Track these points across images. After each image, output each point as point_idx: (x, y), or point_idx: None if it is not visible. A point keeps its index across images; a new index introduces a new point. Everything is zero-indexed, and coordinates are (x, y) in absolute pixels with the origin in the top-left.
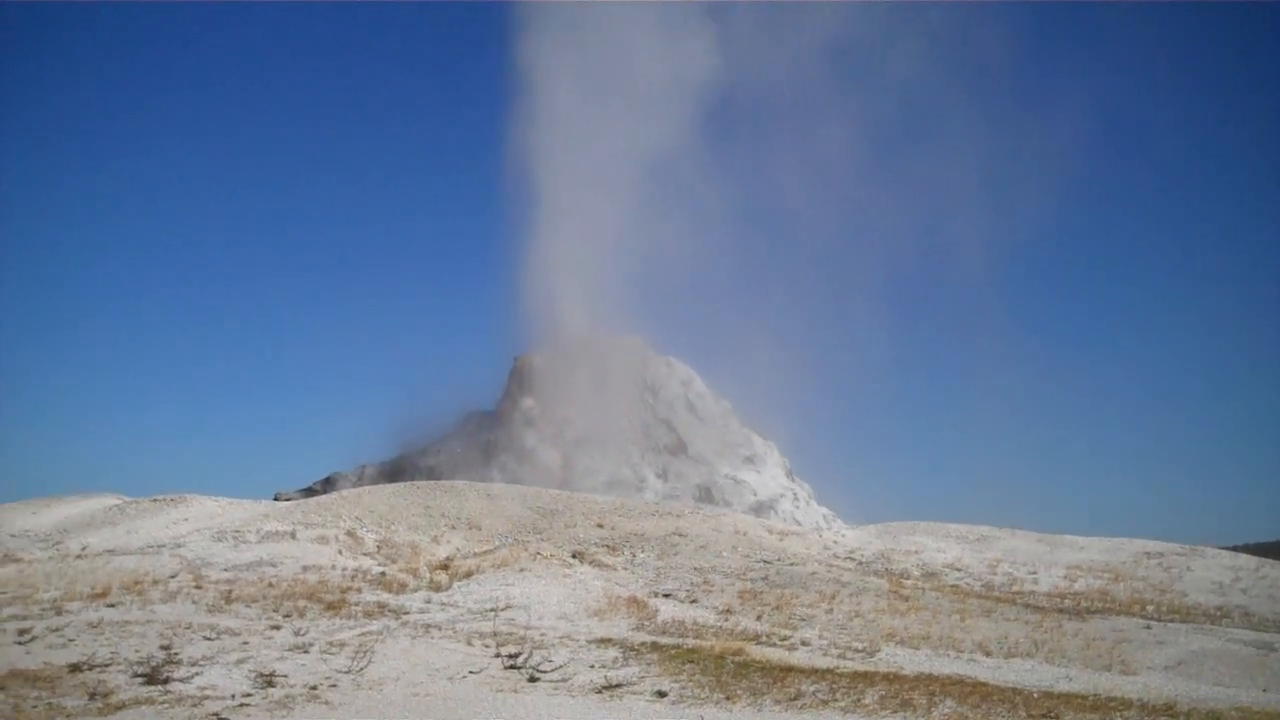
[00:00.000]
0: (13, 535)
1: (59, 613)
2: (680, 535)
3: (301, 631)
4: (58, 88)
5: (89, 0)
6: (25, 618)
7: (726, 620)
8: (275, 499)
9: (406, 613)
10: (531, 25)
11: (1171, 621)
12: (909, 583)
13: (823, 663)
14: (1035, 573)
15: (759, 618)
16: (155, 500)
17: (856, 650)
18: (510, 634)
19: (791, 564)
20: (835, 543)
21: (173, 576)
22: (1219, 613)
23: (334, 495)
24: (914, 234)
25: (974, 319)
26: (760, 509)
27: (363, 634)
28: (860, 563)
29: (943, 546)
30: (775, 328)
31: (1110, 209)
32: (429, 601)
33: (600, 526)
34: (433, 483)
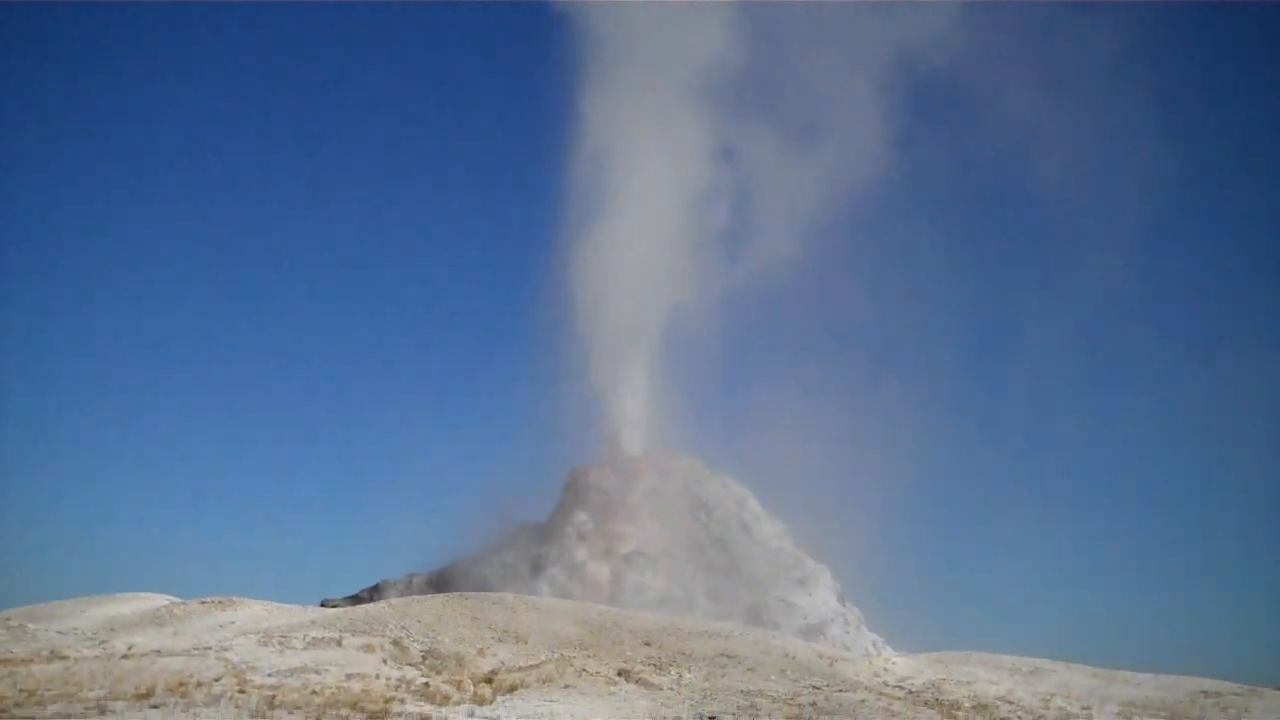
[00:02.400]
0: (60, 632)
1: (103, 713)
2: (728, 656)
3: None
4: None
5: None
6: (69, 716)
7: None
8: (322, 605)
9: None
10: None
11: None
12: (960, 715)
13: None
14: (1089, 708)
15: None
16: (203, 603)
17: None
18: None
19: (841, 690)
20: (886, 670)
21: (217, 680)
22: None
23: (381, 604)
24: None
25: (1042, 437)
26: (810, 632)
27: None
28: (910, 691)
29: (995, 678)
30: (832, 449)
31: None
32: (473, 715)
33: (648, 645)
34: (481, 594)
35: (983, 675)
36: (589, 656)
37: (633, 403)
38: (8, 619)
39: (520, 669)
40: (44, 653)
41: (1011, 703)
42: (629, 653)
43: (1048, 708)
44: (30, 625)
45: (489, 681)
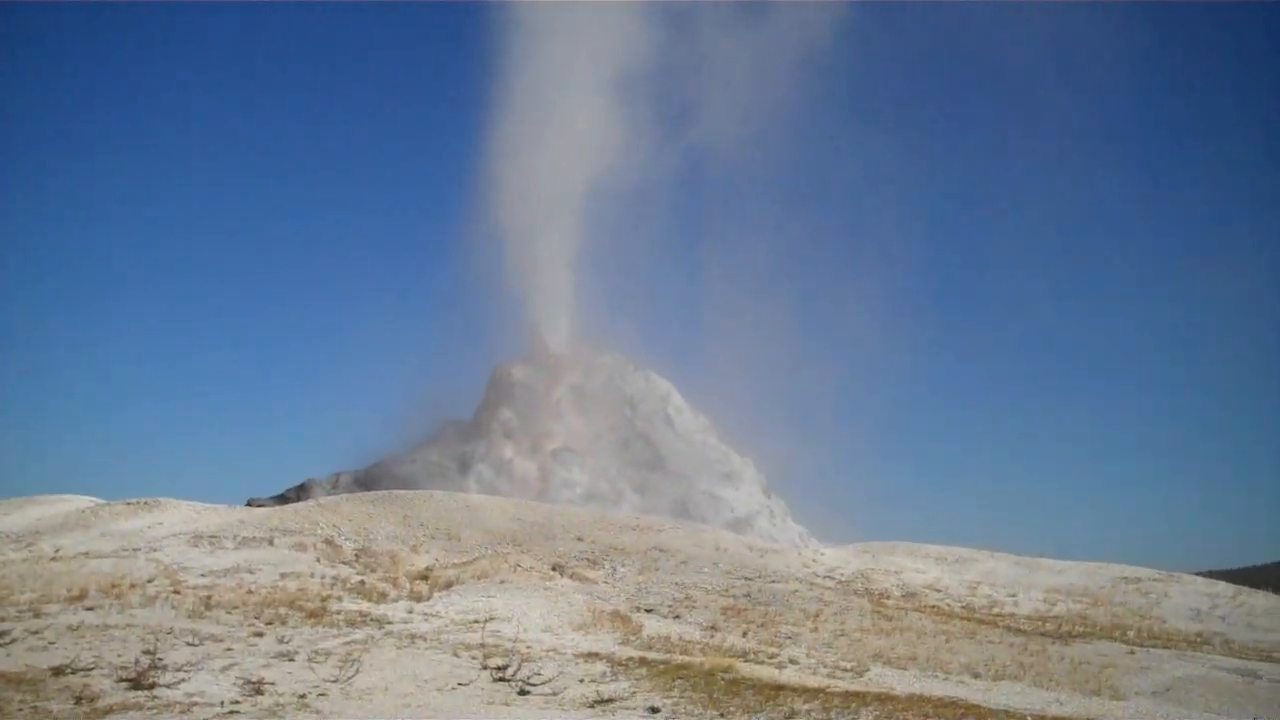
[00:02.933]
0: None
1: (37, 615)
2: (661, 550)
3: (285, 639)
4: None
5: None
6: (2, 620)
7: (712, 637)
8: (249, 505)
9: (390, 622)
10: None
11: (1153, 647)
12: (890, 603)
13: (813, 681)
14: (1015, 595)
15: (744, 634)
16: (129, 504)
17: (845, 670)
18: (496, 646)
19: (773, 581)
20: (815, 561)
21: (150, 581)
22: (1199, 639)
23: (310, 503)
24: (902, 243)
25: (957, 335)
26: (738, 525)
27: (347, 643)
28: (840, 581)
29: (922, 567)
30: (754, 343)
31: (1105, 213)
32: (411, 612)
33: (580, 540)
34: (411, 492)
35: (910, 565)
36: (523, 552)
37: (555, 296)
38: None
39: (455, 566)
40: None
41: (939, 590)
42: (562, 548)
43: (974, 594)
44: None
45: (425, 579)
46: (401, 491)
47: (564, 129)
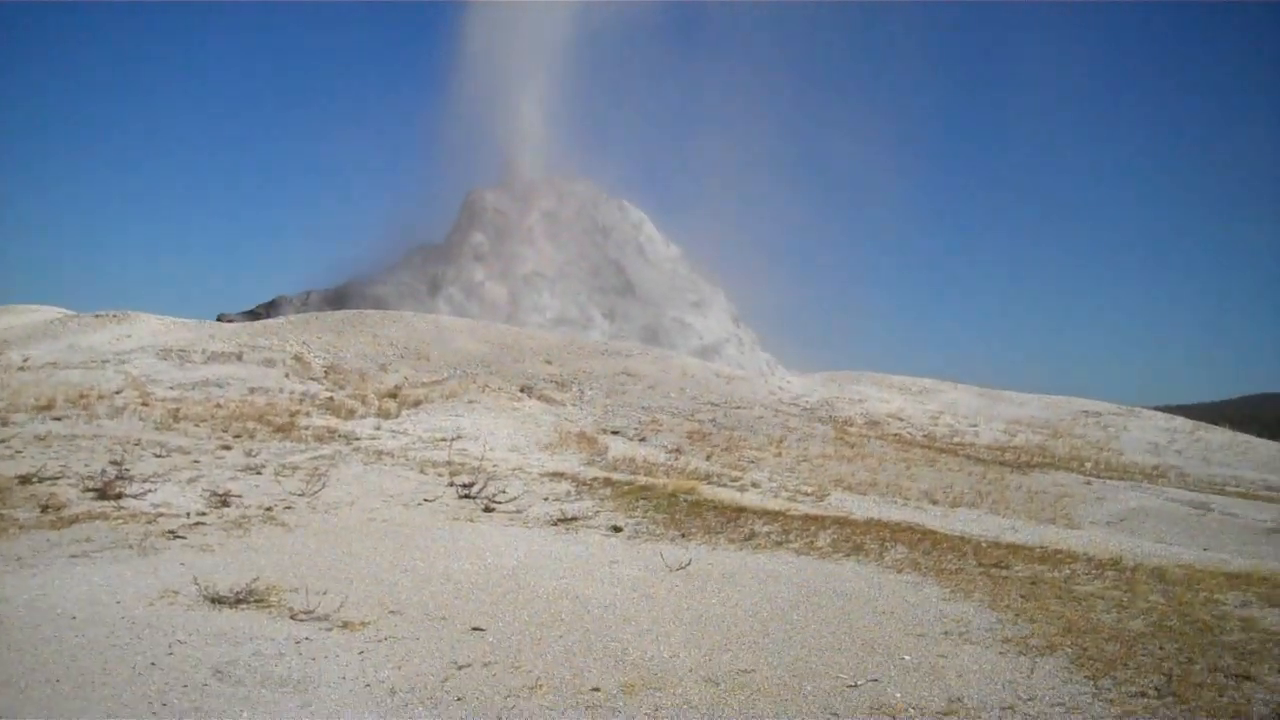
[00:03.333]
0: None
1: (3, 424)
2: (628, 375)
3: (253, 453)
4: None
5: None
6: None
7: (676, 459)
8: (218, 320)
9: (357, 439)
10: None
11: (1110, 479)
12: (853, 430)
13: (774, 505)
14: (976, 426)
15: (708, 458)
16: (98, 316)
17: (806, 494)
18: (463, 464)
19: (738, 407)
20: (781, 389)
21: (118, 392)
22: (1155, 472)
23: (280, 320)
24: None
25: (931, 162)
26: (705, 353)
27: (314, 458)
28: (805, 409)
29: (886, 397)
30: (725, 173)
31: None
32: (378, 429)
33: (549, 363)
34: (381, 312)
35: (874, 394)
36: (491, 374)
37: (530, 122)
38: None
39: (423, 385)
40: None
41: (902, 420)
42: (531, 370)
43: (936, 424)
44: None
45: (393, 397)
46: (371, 311)
47: None
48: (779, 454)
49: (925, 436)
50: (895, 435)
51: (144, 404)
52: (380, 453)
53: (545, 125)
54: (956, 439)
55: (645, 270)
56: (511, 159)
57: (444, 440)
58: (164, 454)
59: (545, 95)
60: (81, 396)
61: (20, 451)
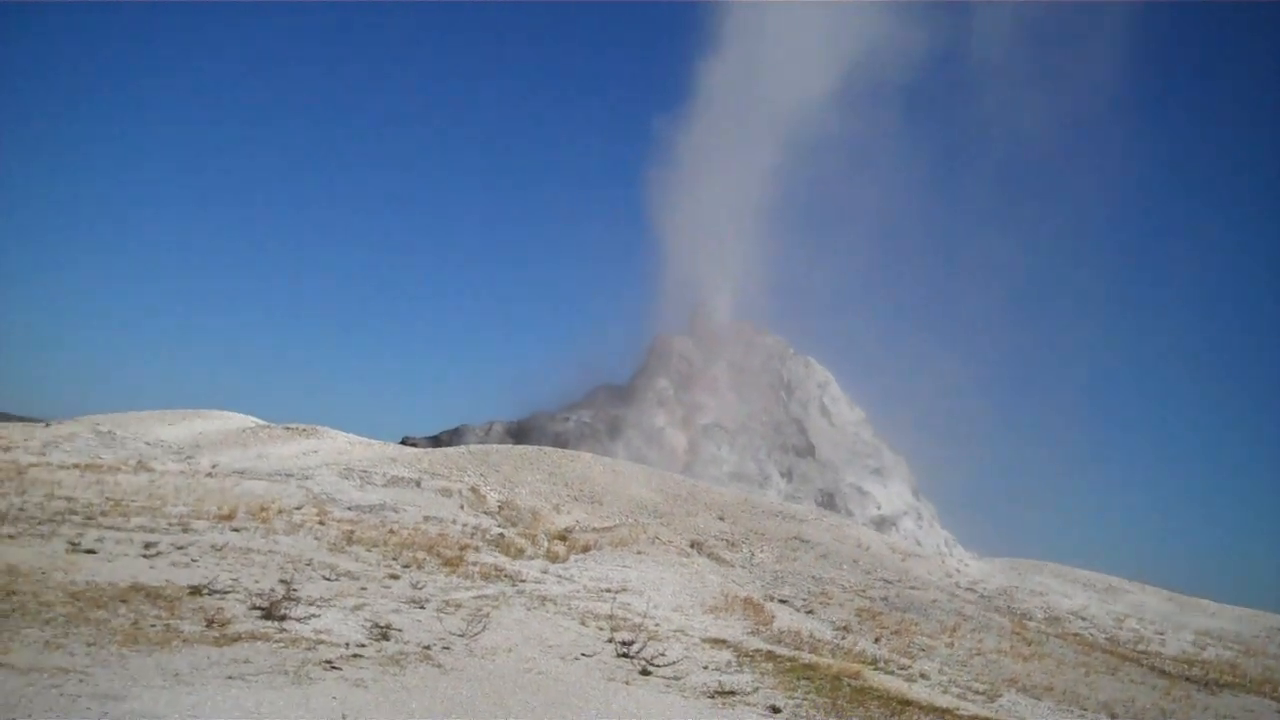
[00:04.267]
0: (148, 444)
1: (185, 530)
2: (801, 540)
3: (419, 585)
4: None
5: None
6: (153, 530)
7: (844, 639)
8: (403, 443)
9: (523, 580)
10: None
11: None
12: (1032, 625)
13: (942, 700)
14: (1163, 633)
15: (877, 640)
16: (288, 428)
17: (977, 692)
18: (625, 619)
19: (913, 588)
20: (958, 571)
21: (298, 508)
22: None
23: (461, 449)
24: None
25: (1139, 347)
26: (882, 523)
27: (479, 596)
28: (982, 596)
29: (1069, 591)
30: (922, 342)
31: None
32: (545, 572)
33: (721, 519)
34: (560, 450)
35: (1056, 587)
36: (663, 524)
37: (723, 274)
38: (98, 424)
39: (595, 530)
40: (131, 462)
41: (1085, 619)
42: (703, 525)
43: (1121, 627)
44: (119, 433)
45: (563, 539)
46: (551, 449)
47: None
48: (951, 644)
49: (1108, 640)
50: (1076, 635)
51: (321, 522)
52: (544, 598)
53: (739, 277)
54: (1141, 646)
55: (827, 431)
56: (702, 307)
57: (609, 591)
58: (333, 577)
59: (742, 247)
60: (262, 509)
61: (196, 561)
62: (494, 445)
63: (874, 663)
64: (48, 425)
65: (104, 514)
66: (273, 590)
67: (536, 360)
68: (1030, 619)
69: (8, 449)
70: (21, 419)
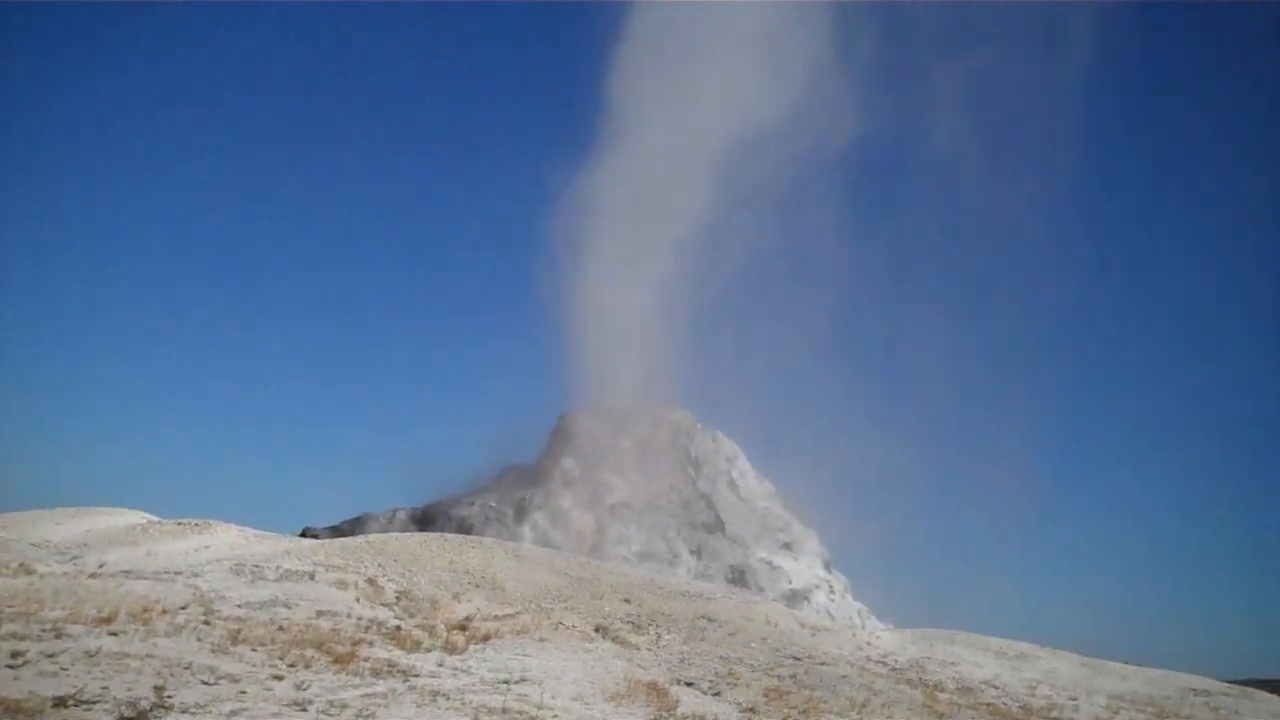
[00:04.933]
0: (33, 544)
1: (59, 636)
2: (709, 620)
3: (303, 685)
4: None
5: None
6: (24, 638)
7: None
8: (303, 534)
9: (416, 675)
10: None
11: None
12: (944, 696)
13: None
14: (1076, 699)
15: None
16: (180, 524)
17: None
18: (521, 712)
19: (822, 664)
20: (869, 644)
21: (183, 608)
22: None
23: (359, 539)
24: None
25: (1049, 413)
26: (794, 597)
27: (366, 695)
28: (893, 669)
29: (980, 660)
30: (830, 416)
31: None
32: (441, 665)
33: (627, 602)
34: (461, 537)
35: (968, 657)
36: (567, 609)
37: (625, 349)
38: None
39: (495, 618)
40: (13, 564)
41: (997, 688)
42: (608, 609)
43: (1034, 695)
44: (3, 534)
45: (463, 629)
46: (452, 535)
47: (654, 192)
48: None
49: (1021, 708)
50: (989, 705)
51: (205, 622)
52: (436, 693)
53: (642, 350)
54: (1055, 714)
55: (736, 506)
56: (606, 383)
57: (506, 682)
58: (212, 681)
59: (644, 321)
60: (145, 610)
61: (66, 669)
62: (394, 534)
63: None
64: None
65: None
66: (143, 698)
67: (441, 442)
68: (942, 690)
69: None
70: None
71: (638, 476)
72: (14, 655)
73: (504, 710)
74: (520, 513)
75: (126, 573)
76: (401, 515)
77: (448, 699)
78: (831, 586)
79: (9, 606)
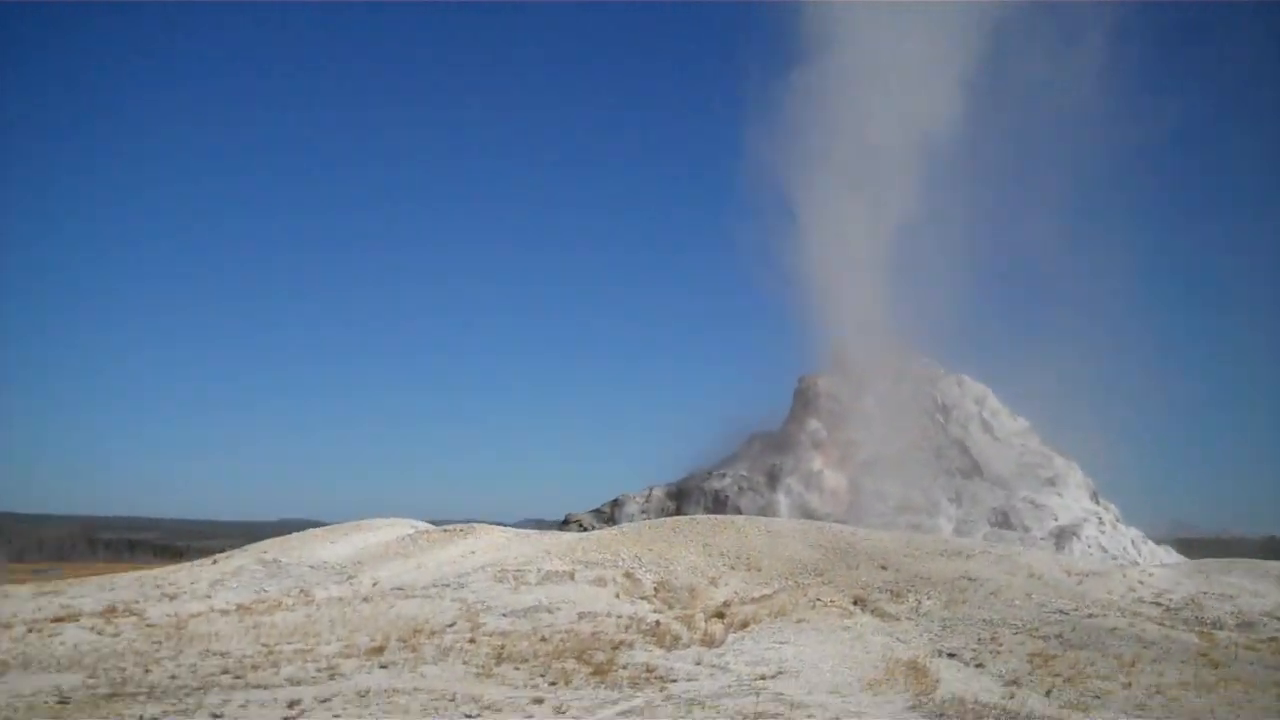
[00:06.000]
0: (312, 567)
1: (333, 676)
2: (970, 579)
3: (563, 709)
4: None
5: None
6: (299, 682)
7: (1011, 697)
8: (565, 520)
9: (674, 680)
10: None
11: None
12: (1221, 635)
13: None
14: None
15: (1049, 693)
16: (446, 530)
17: None
18: (776, 715)
19: (1090, 615)
20: (1141, 583)
21: (450, 625)
22: None
23: (614, 531)
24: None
25: None
26: (1063, 535)
27: (623, 713)
28: (1168, 609)
29: (1261, 589)
30: (1072, 333)
31: None
32: (698, 663)
33: (884, 568)
34: (713, 518)
35: (1247, 586)
36: (823, 583)
37: (859, 305)
38: (264, 552)
39: (753, 600)
40: (294, 592)
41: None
42: (864, 578)
43: None
44: (283, 559)
45: (720, 616)
46: (703, 517)
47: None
48: (1129, 683)
49: None
50: (1269, 640)
51: (471, 640)
52: (693, 701)
53: (874, 307)
54: None
55: (991, 448)
56: (840, 344)
57: (763, 678)
58: (475, 713)
59: (873, 277)
60: (415, 632)
61: (339, 716)
62: (647, 522)
63: None
64: (215, 561)
65: (255, 668)
66: None
67: (687, 421)
68: (1220, 628)
69: (174, 596)
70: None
71: (885, 431)
72: (290, 705)
73: (758, 715)
74: (773, 480)
75: (397, 590)
76: (658, 493)
77: (703, 708)
78: (1100, 518)
79: (289, 644)
